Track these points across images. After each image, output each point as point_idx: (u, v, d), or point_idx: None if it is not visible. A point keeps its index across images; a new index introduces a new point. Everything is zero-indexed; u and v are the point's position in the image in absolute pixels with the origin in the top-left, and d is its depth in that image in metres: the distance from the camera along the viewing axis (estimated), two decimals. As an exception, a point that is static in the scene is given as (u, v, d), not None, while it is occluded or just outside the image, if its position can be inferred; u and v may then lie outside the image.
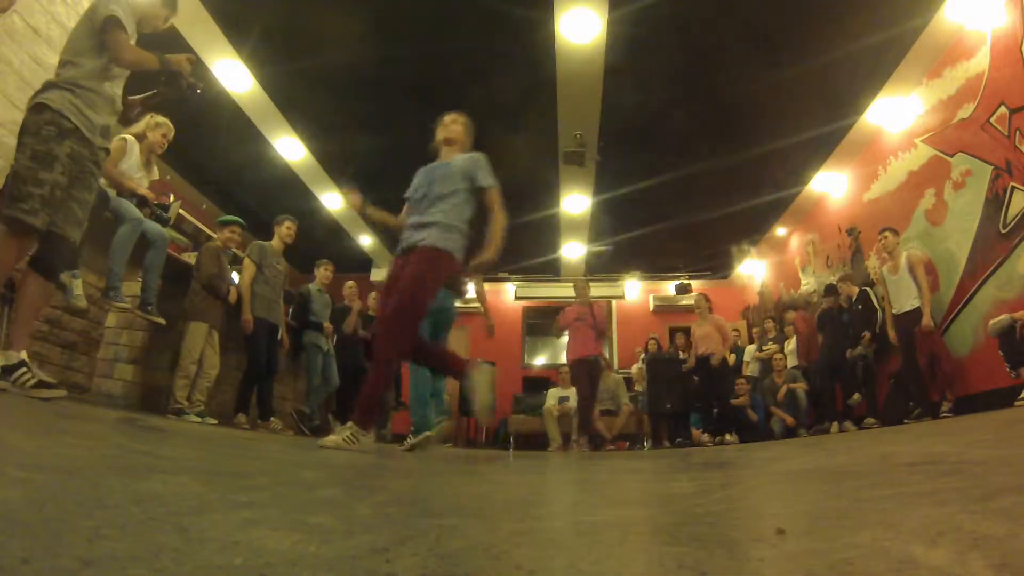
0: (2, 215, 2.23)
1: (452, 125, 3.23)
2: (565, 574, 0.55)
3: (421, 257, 2.75)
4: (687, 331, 8.37)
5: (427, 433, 3.29)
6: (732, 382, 6.82)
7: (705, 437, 6.49)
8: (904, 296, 4.98)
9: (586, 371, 6.07)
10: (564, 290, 9.55)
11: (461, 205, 2.92)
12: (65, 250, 2.42)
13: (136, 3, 2.58)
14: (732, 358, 7.71)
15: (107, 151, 2.61)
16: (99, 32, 2.41)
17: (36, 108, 2.32)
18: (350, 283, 6.39)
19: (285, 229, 4.99)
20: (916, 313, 4.84)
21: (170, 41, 4.90)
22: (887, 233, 5.20)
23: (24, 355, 2.29)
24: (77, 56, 2.40)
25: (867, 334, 5.55)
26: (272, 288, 4.80)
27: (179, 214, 5.53)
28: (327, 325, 5.63)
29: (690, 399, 7.00)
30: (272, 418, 4.71)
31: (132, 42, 2.52)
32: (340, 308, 6.12)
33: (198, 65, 5.20)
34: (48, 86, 2.38)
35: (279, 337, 4.92)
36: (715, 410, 6.55)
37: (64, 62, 2.42)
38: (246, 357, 4.76)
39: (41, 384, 2.27)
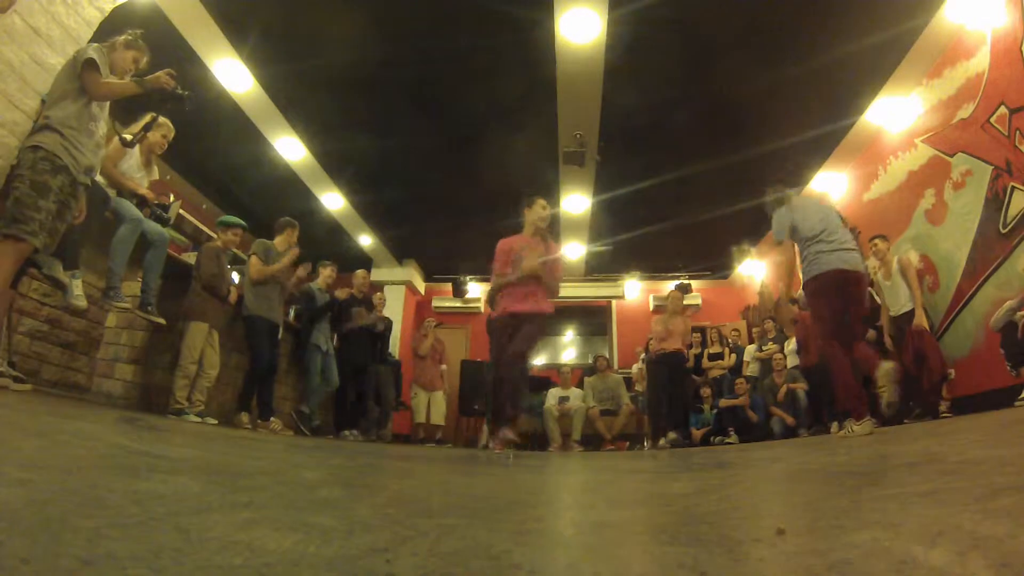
0: (2, 233, 2.51)
1: None
2: (565, 574, 0.55)
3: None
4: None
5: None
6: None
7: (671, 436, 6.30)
8: (899, 300, 5.03)
9: (518, 324, 3.80)
10: (564, 290, 9.52)
11: None
12: (26, 266, 2.78)
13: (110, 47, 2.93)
14: (733, 358, 7.73)
15: (86, 186, 2.91)
16: (79, 75, 2.74)
17: (32, 148, 2.62)
18: (361, 272, 6.43)
19: (292, 235, 5.11)
20: (911, 315, 4.88)
21: (170, 42, 4.91)
22: (876, 241, 5.25)
23: None
24: (64, 99, 2.72)
25: (872, 332, 5.55)
26: (273, 288, 4.82)
27: (179, 214, 5.53)
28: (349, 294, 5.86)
29: (690, 399, 7.00)
30: (272, 418, 4.71)
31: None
32: (349, 300, 6.10)
33: (196, 65, 5.24)
34: (41, 128, 2.67)
35: (279, 336, 4.95)
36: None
37: (52, 103, 2.72)
38: (246, 357, 4.77)
39: None
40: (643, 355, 8.12)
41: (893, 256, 5.17)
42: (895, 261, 5.08)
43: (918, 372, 4.78)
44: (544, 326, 4.07)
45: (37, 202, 2.54)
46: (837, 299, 3.54)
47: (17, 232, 2.49)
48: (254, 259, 4.76)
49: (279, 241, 5.01)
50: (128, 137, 3.35)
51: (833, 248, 3.57)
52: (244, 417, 4.45)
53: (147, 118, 3.45)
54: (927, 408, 4.70)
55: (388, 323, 6.72)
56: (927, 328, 4.84)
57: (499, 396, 3.79)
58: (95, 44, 2.85)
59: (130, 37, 3.04)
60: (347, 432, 5.71)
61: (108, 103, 2.92)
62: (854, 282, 3.57)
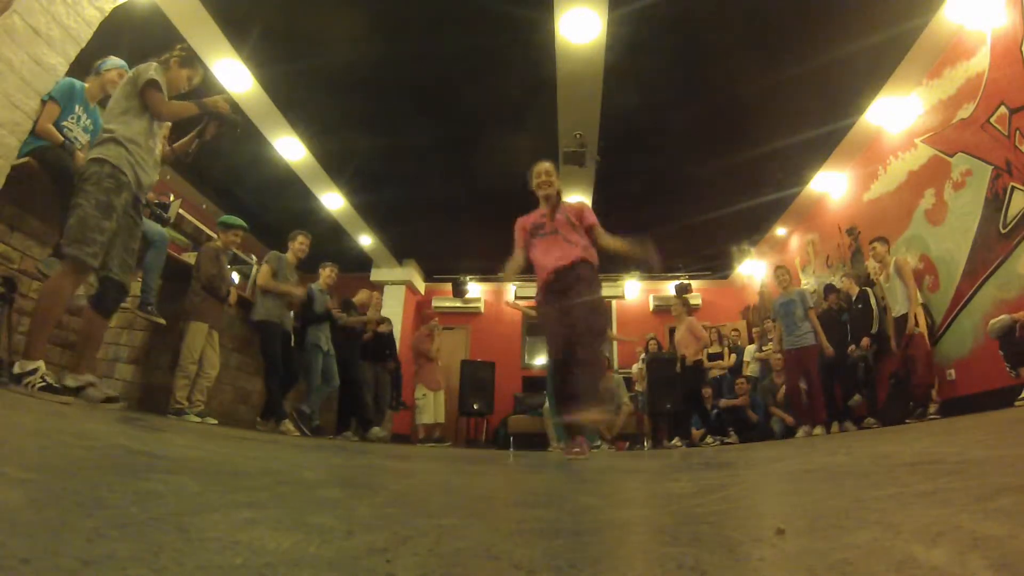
0: (62, 252, 2.52)
1: None
2: (565, 574, 0.55)
3: None
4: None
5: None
6: (701, 381, 6.94)
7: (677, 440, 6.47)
8: (897, 301, 5.12)
9: (567, 287, 3.19)
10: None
11: None
12: (121, 294, 2.80)
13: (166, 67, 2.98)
14: (732, 358, 7.73)
15: (145, 205, 2.95)
16: (140, 94, 2.76)
17: (97, 161, 2.59)
18: (364, 291, 6.61)
19: (298, 244, 5.15)
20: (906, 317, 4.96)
21: (171, 42, 4.90)
22: (875, 244, 5.36)
23: (41, 364, 2.47)
24: (126, 114, 2.72)
25: (866, 340, 5.56)
26: (284, 298, 4.91)
27: (179, 214, 5.53)
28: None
29: (690, 399, 7.01)
30: (269, 419, 4.72)
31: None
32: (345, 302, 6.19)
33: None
34: (106, 140, 2.65)
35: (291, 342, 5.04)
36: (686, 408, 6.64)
37: (113, 118, 2.73)
38: (248, 358, 4.77)
39: (48, 388, 2.44)
40: (643, 355, 8.13)
41: (892, 257, 5.21)
42: (892, 263, 5.13)
43: (907, 377, 4.85)
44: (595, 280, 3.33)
45: (100, 223, 2.52)
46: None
47: (80, 254, 2.48)
48: (265, 267, 4.84)
49: (290, 255, 5.09)
50: (187, 152, 3.32)
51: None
52: (289, 425, 4.49)
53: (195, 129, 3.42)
54: (913, 412, 4.76)
55: (387, 326, 6.76)
56: (923, 332, 4.87)
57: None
58: (155, 63, 2.87)
59: (183, 54, 3.03)
60: (348, 432, 5.74)
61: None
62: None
